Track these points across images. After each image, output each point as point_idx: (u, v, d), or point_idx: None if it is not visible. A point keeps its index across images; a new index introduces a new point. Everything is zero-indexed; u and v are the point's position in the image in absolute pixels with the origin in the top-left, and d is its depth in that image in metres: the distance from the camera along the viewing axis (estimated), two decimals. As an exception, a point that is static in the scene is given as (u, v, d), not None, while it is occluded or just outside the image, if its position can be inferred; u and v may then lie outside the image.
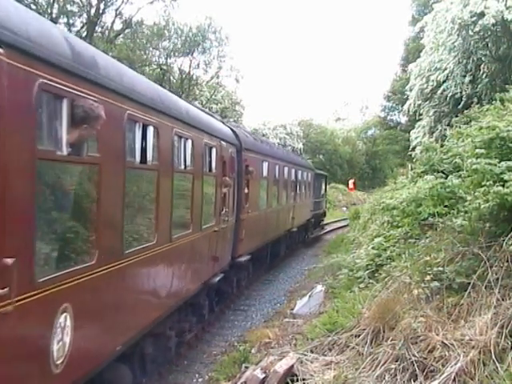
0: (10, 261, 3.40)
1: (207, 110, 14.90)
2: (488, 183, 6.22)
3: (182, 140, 7.50)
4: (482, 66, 17.17)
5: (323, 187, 30.71)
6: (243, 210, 11.93)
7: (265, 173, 14.63)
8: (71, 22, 27.41)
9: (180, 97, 10.40)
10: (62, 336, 4.16)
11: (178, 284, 7.54)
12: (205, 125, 9.08)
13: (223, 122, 11.97)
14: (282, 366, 5.82)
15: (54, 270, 4.12)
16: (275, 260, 17.55)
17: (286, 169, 17.76)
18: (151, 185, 6.44)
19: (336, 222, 34.88)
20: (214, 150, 9.34)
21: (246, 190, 12.21)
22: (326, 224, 32.06)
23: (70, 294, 4.29)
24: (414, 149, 20.08)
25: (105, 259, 4.88)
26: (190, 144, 7.79)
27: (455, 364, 4.99)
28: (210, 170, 9.24)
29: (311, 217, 24.41)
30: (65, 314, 4.20)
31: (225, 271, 10.72)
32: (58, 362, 4.11)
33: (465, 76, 17.84)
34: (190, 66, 33.61)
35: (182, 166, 7.55)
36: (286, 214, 18.03)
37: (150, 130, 6.08)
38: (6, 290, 3.37)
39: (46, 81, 3.85)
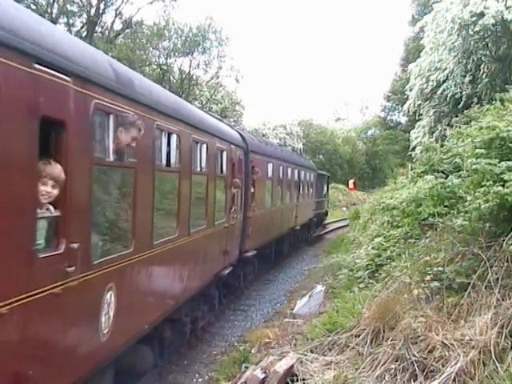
0: (75, 245, 4.31)
1: (217, 115, 16.12)
2: (488, 183, 6.22)
3: (198, 145, 8.32)
4: (482, 66, 17.16)
5: (325, 187, 31.39)
6: (250, 209, 12.62)
7: (270, 173, 15.35)
8: (71, 22, 27.42)
9: (180, 96, 11.18)
10: (108, 310, 5.09)
11: (194, 274, 8.34)
12: (216, 130, 9.88)
13: (231, 126, 12.70)
14: (281, 366, 5.82)
15: (103, 255, 5.03)
16: (279, 257, 18.16)
17: (289, 169, 18.37)
18: (174, 185, 7.36)
19: (336, 221, 34.91)
20: (224, 153, 10.08)
21: (252, 190, 12.88)
22: (327, 224, 32.22)
23: (114, 275, 5.24)
24: (414, 149, 20.08)
25: (139, 248, 5.77)
26: (205, 148, 8.63)
27: (455, 364, 4.99)
28: (222, 171, 10.01)
29: (313, 216, 25.00)
30: (110, 292, 5.14)
31: (233, 265, 11.41)
32: (105, 332, 5.03)
33: (465, 76, 17.83)
34: (190, 66, 33.64)
35: (198, 168, 8.41)
36: (289, 213, 18.61)
37: (174, 138, 7.06)
38: (73, 268, 4.30)
39: (98, 100, 4.74)
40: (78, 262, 4.38)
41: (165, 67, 32.58)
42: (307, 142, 53.91)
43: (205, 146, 8.61)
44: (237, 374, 6.91)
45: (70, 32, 26.35)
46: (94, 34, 27.16)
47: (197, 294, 8.79)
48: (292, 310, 11.00)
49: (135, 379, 6.90)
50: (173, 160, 7.03)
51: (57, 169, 4.08)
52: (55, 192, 4.06)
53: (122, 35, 29.91)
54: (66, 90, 4.20)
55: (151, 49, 32.03)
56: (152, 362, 7.01)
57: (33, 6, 24.22)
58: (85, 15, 27.55)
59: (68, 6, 26.60)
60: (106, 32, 28.54)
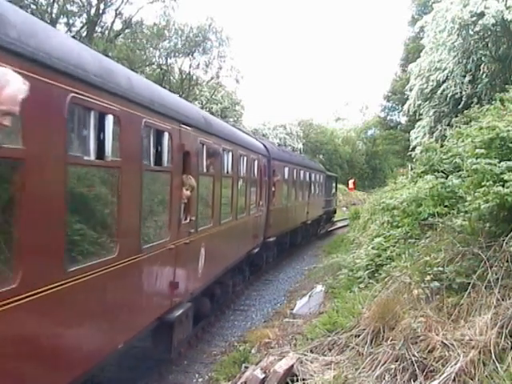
0: (192, 219, 7.88)
1: (248, 130, 20.17)
2: (488, 183, 6.22)
3: (241, 157, 11.64)
4: (482, 66, 17.17)
5: (333, 187, 34.18)
6: (271, 203, 15.69)
7: (286, 176, 18.31)
8: (71, 22, 27.40)
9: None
10: (201, 259, 8.39)
11: (237, 249, 11.69)
12: (251, 145, 13.34)
13: (257, 139, 16.09)
14: (281, 366, 5.82)
15: (201, 226, 8.39)
16: (293, 247, 21.01)
17: (301, 172, 21.34)
18: (230, 186, 10.67)
19: (336, 221, 34.91)
20: (255, 162, 13.33)
21: (273, 189, 15.94)
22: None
23: (205, 238, 8.57)
24: (414, 149, 20.10)
25: (214, 224, 9.30)
26: (245, 159, 12.03)
27: (455, 364, 4.99)
28: (254, 175, 13.29)
29: (323, 213, 27.76)
30: (203, 249, 8.44)
31: (259, 247, 14.30)
32: (200, 271, 8.38)
33: (465, 76, 17.84)
34: (190, 67, 33.63)
35: (242, 174, 11.83)
36: (301, 209, 21.50)
37: (230, 155, 10.43)
38: (192, 230, 7.80)
39: (201, 138, 8.29)
40: (193, 228, 7.87)
41: (165, 67, 32.57)
42: (307, 142, 53.94)
43: (245, 158, 11.95)
44: (237, 374, 6.90)
45: (70, 32, 26.35)
46: (94, 34, 27.14)
47: (235, 266, 11.71)
48: (292, 310, 11.01)
49: (135, 379, 6.91)
50: (228, 169, 10.42)
51: (191, 180, 7.52)
52: (188, 193, 7.46)
53: (121, 35, 29.89)
54: (189, 134, 7.58)
55: (151, 49, 32.01)
56: (209, 309, 10.07)
57: (33, 6, 24.20)
58: (85, 15, 27.53)
59: (68, 6, 26.58)
60: (106, 32, 28.51)
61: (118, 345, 5.43)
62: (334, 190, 33.91)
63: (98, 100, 4.71)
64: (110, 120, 4.92)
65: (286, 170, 18.18)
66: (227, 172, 10.31)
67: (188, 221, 7.59)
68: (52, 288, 4.01)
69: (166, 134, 6.64)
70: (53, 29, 5.38)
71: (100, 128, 4.78)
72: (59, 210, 4.14)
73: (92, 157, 4.67)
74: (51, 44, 4.16)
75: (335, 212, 34.56)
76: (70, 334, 4.52)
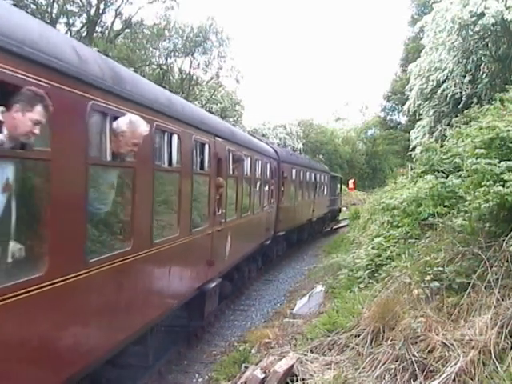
0: (223, 211, 9.62)
1: (263, 138, 22.63)
2: (488, 183, 6.22)
3: (257, 161, 13.56)
4: (482, 66, 17.17)
5: (338, 187, 35.75)
6: (281, 201, 17.32)
7: (293, 176, 19.92)
8: (71, 21, 27.40)
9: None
10: (227, 245, 10.04)
11: (253, 239, 13.46)
12: (265, 150, 15.42)
13: (269, 145, 18.08)
14: (281, 366, 5.82)
15: (229, 217, 10.28)
16: (300, 242, 22.68)
17: (307, 173, 22.91)
18: (251, 185, 12.82)
19: (341, 220, 34.99)
20: (268, 165, 15.29)
21: (282, 189, 17.60)
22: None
23: (231, 228, 10.38)
24: (414, 149, 20.09)
25: (238, 216, 11.26)
26: (260, 163, 14.02)
27: (455, 364, 4.99)
28: (267, 176, 15.24)
29: (328, 211, 29.31)
30: (229, 236, 10.13)
31: (270, 240, 16.04)
32: (226, 255, 10.10)
33: (465, 76, 17.84)
34: (190, 67, 33.62)
35: (258, 176, 13.71)
36: (307, 207, 23.07)
37: (248, 160, 12.29)
38: (222, 221, 9.69)
39: (229, 147, 10.15)
40: (223, 219, 9.70)
41: (165, 67, 32.57)
42: (307, 142, 53.93)
43: (260, 161, 13.89)
44: (237, 374, 6.90)
45: (70, 32, 26.36)
46: (94, 34, 27.14)
47: (251, 254, 13.44)
48: (292, 310, 11.00)
49: (135, 378, 6.91)
50: (247, 172, 12.35)
51: (222, 180, 9.36)
52: (221, 191, 9.38)
53: (121, 35, 29.89)
54: (220, 144, 9.40)
55: (151, 49, 32.00)
56: (230, 290, 11.70)
57: (33, 6, 24.20)
58: (85, 15, 27.53)
59: (68, 6, 26.58)
60: (106, 32, 28.51)
61: (176, 303, 7.41)
62: (338, 190, 35.39)
63: (170, 125, 6.77)
64: (175, 138, 6.91)
65: (294, 171, 19.83)
66: (246, 174, 12.30)
67: (220, 213, 9.55)
68: (119, 262, 5.22)
69: (206, 146, 8.63)
70: (140, 78, 7.19)
71: (170, 144, 6.80)
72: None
73: (174, 165, 6.95)
74: (143, 88, 6.23)
75: (340, 211, 35.50)
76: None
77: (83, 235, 4.58)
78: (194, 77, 34.53)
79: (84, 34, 27.00)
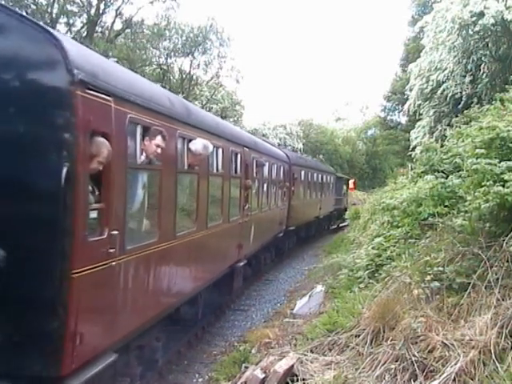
0: (248, 206, 11.98)
1: (276, 143, 25.09)
2: (488, 183, 6.22)
3: (273, 166, 15.99)
4: (482, 66, 17.17)
5: (344, 188, 37.70)
6: (292, 199, 19.41)
7: (302, 178, 22.05)
8: (71, 22, 27.38)
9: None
10: (252, 233, 12.23)
11: (268, 231, 15.49)
12: (279, 155, 17.81)
13: (281, 149, 20.18)
14: (281, 366, 5.82)
15: (252, 210, 12.57)
16: (309, 238, 24.78)
17: (314, 174, 25.17)
18: (271, 187, 15.58)
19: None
20: (281, 168, 17.56)
21: (293, 188, 19.64)
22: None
23: (254, 219, 12.42)
24: (414, 149, 20.11)
25: (260, 209, 13.59)
26: (276, 167, 16.50)
27: (455, 364, 4.99)
28: (280, 177, 17.34)
29: (334, 210, 31.25)
30: (253, 226, 12.27)
31: (283, 233, 18.15)
32: (250, 240, 12.20)
33: (465, 76, 17.85)
34: (190, 66, 33.61)
35: (274, 177, 16.07)
36: (315, 205, 25.37)
37: (267, 166, 14.42)
38: (248, 212, 12.04)
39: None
40: (249, 212, 11.94)
41: (165, 67, 32.56)
42: (307, 141, 53.85)
43: (275, 165, 16.28)
44: (237, 374, 6.90)
45: (70, 32, 26.35)
46: (94, 34, 27.13)
47: (266, 244, 15.36)
48: (292, 310, 11.00)
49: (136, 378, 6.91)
50: (265, 174, 14.70)
51: (249, 182, 11.75)
52: (248, 190, 11.67)
53: (122, 35, 29.87)
54: (247, 152, 11.76)
55: (151, 49, 31.98)
56: (250, 274, 13.92)
57: (33, 6, 24.20)
58: (85, 15, 27.52)
59: (68, 6, 26.55)
60: (106, 32, 28.50)
61: (218, 273, 9.75)
62: (344, 190, 37.33)
63: (217, 142, 8.99)
64: (220, 151, 9.23)
65: (303, 173, 22.08)
66: (265, 176, 14.67)
67: (247, 207, 11.72)
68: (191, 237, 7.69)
69: (239, 155, 10.91)
70: (200, 110, 10.21)
71: (217, 156, 9.13)
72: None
73: (219, 171, 9.46)
74: (203, 117, 8.98)
75: (346, 210, 35.88)
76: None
77: (174, 219, 6.87)
78: (194, 77, 34.51)
79: (84, 34, 26.99)
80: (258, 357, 7.42)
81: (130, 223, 5.53)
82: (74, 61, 4.35)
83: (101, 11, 27.41)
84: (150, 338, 6.76)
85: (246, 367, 6.75)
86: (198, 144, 7.39)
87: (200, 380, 8.08)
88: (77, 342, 4.40)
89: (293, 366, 5.90)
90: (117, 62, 6.42)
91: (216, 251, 9.48)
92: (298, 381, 5.74)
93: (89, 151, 4.49)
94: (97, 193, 4.78)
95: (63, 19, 26.81)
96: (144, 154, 5.85)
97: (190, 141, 7.33)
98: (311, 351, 6.48)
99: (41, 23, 4.68)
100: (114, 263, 4.98)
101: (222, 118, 24.55)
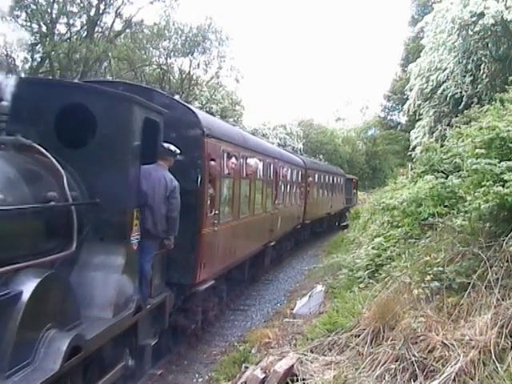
0: (278, 201, 16.26)
1: (290, 149, 29.53)
2: (488, 183, 6.22)
3: (293, 170, 19.05)
4: (482, 66, 17.19)
5: (353, 188, 41.45)
6: (307, 197, 22.39)
7: (316, 179, 25.28)
8: (71, 22, 27.33)
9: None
10: (278, 221, 15.96)
11: (289, 223, 18.58)
12: (297, 162, 21.05)
13: (297, 155, 23.96)
14: (281, 366, 5.82)
15: (278, 204, 16.39)
16: (321, 232, 27.60)
17: (326, 176, 28.38)
18: (291, 187, 18.92)
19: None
20: (300, 172, 20.75)
21: (308, 188, 22.68)
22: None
23: (280, 209, 16.26)
24: (414, 149, 20.14)
25: (285, 204, 17.72)
26: (296, 172, 19.73)
27: (455, 364, 4.99)
28: (299, 180, 20.56)
29: (344, 208, 33.52)
30: (280, 217, 16.25)
31: (300, 226, 21.34)
32: (278, 226, 16.00)
33: (465, 76, 17.86)
34: (190, 66, 33.58)
35: (294, 180, 19.38)
36: (327, 203, 28.66)
37: (290, 170, 18.20)
38: (277, 206, 16.24)
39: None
40: (278, 205, 15.98)
41: (165, 67, 32.54)
42: (307, 141, 53.81)
43: (295, 170, 19.40)
44: (237, 374, 6.89)
45: (70, 32, 26.33)
46: (94, 34, 27.10)
47: (287, 234, 18.51)
48: (292, 310, 10.99)
49: (136, 378, 6.93)
50: (288, 178, 17.81)
51: (278, 184, 16.41)
52: (277, 190, 16.04)
53: (122, 35, 29.83)
54: (277, 162, 16.07)
55: (151, 49, 31.94)
56: (274, 257, 16.77)
57: (33, 6, 24.18)
58: (85, 15, 27.48)
59: (68, 6, 26.51)
60: (106, 32, 28.45)
61: (258, 248, 13.53)
62: (354, 190, 40.76)
63: (260, 157, 12.70)
64: (261, 163, 12.78)
65: (316, 175, 25.32)
66: (287, 179, 17.74)
67: (276, 202, 15.50)
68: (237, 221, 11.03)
69: (271, 165, 14.77)
70: (252, 136, 15.20)
71: (278, 171, 15.66)
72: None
73: (261, 177, 13.48)
74: (253, 142, 13.77)
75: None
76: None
77: (239, 207, 10.86)
78: (194, 77, 34.47)
79: (84, 34, 26.96)
80: (257, 357, 7.42)
81: (221, 208, 9.34)
82: (202, 123, 8.38)
83: (101, 11, 27.37)
84: (221, 281, 10.44)
85: (246, 367, 6.74)
86: (252, 161, 11.70)
87: (200, 380, 8.08)
88: (202, 267, 8.22)
89: (293, 366, 5.90)
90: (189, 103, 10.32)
91: (258, 231, 13.28)
92: (297, 381, 5.73)
93: (209, 169, 8.41)
94: (211, 190, 8.60)
95: (63, 19, 26.75)
96: (226, 168, 9.72)
97: (246, 158, 11.31)
98: (311, 351, 6.48)
99: (186, 104, 9.29)
100: (216, 228, 8.93)
101: (221, 118, 26.20)
